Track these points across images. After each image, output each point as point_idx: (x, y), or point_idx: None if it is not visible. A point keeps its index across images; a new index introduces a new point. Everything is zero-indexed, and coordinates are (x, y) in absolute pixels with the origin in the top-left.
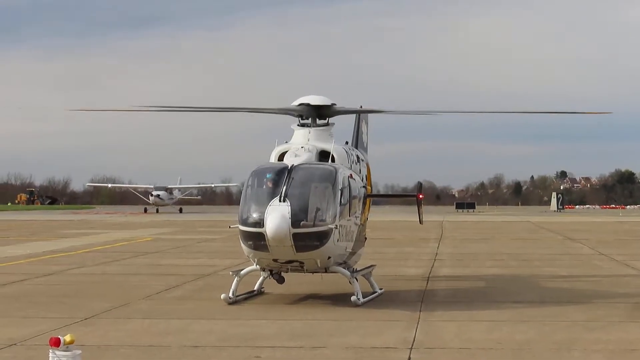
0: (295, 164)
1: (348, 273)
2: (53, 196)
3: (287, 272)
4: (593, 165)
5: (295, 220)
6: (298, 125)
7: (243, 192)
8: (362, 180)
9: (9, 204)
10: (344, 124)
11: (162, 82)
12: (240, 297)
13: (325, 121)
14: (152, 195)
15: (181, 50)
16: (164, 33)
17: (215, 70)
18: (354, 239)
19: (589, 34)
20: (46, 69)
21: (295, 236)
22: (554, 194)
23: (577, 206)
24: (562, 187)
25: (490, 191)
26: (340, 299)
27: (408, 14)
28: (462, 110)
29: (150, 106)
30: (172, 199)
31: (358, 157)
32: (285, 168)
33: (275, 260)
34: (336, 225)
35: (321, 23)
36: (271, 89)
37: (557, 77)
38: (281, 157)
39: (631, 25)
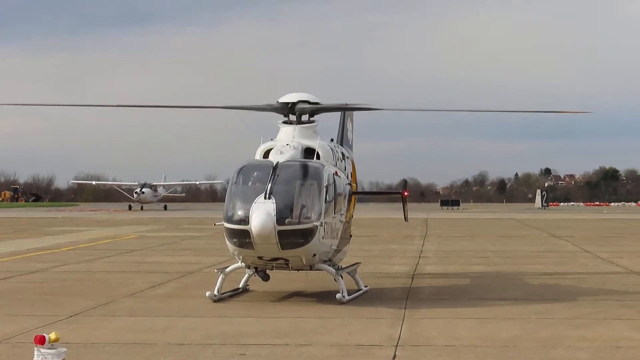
0: (280, 161)
1: (333, 270)
2: (37, 193)
3: (272, 269)
4: (577, 163)
5: (280, 218)
6: (283, 122)
7: (228, 189)
8: (347, 178)
9: None
10: (329, 122)
11: (152, 78)
12: (226, 294)
13: (311, 118)
14: (136, 192)
15: (172, 47)
16: (155, 30)
17: (205, 68)
18: (339, 237)
19: (572, 30)
20: (35, 65)
21: (280, 233)
22: (538, 191)
23: (561, 203)
24: (546, 185)
25: (474, 188)
26: (326, 297)
27: (396, 11)
28: (446, 108)
29: (107, 104)
30: (157, 196)
31: (343, 155)
32: (270, 165)
33: (260, 258)
34: (321, 223)
35: (314, 20)
36: (260, 86)
37: (541, 75)
38: (266, 154)
39: (623, 21)
